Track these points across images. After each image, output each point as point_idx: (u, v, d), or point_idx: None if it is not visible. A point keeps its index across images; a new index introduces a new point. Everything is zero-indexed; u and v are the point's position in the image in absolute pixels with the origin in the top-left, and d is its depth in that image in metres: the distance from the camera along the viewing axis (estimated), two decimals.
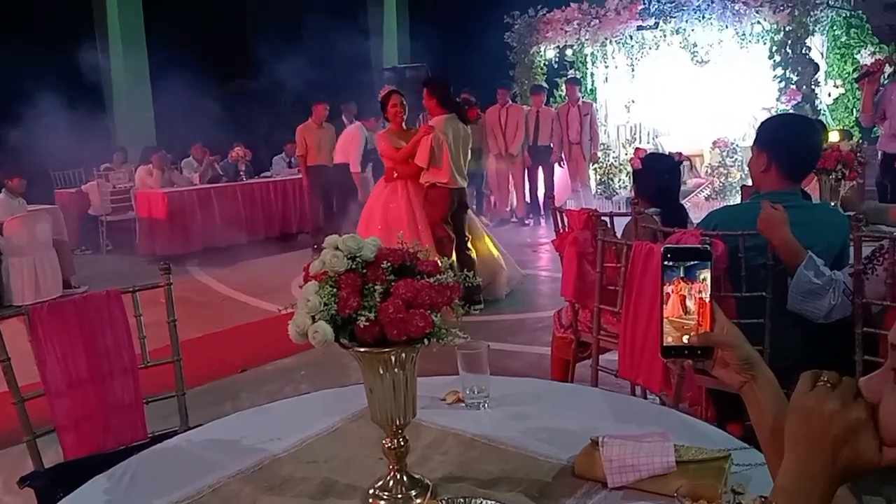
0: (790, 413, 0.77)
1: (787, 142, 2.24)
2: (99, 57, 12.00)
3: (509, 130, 9.25)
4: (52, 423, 1.86)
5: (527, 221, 9.52)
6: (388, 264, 1.14)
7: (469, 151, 5.53)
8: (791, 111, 7.89)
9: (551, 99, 10.25)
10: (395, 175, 5.44)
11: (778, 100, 8.34)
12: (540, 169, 9.40)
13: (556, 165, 9.31)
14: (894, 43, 5.18)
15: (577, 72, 10.33)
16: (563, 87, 10.23)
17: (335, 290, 1.11)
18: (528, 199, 9.61)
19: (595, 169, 9.79)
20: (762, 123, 2.39)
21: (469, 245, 5.54)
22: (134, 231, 8.73)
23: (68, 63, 9.55)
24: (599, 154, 9.74)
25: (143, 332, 2.05)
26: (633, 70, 9.87)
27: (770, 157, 2.24)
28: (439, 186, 5.27)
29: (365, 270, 1.14)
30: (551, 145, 9.27)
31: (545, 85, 10.25)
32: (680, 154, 3.13)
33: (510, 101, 9.44)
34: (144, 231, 8.50)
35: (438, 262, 1.20)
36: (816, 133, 2.31)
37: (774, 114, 6.50)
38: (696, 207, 8.03)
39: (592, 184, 9.89)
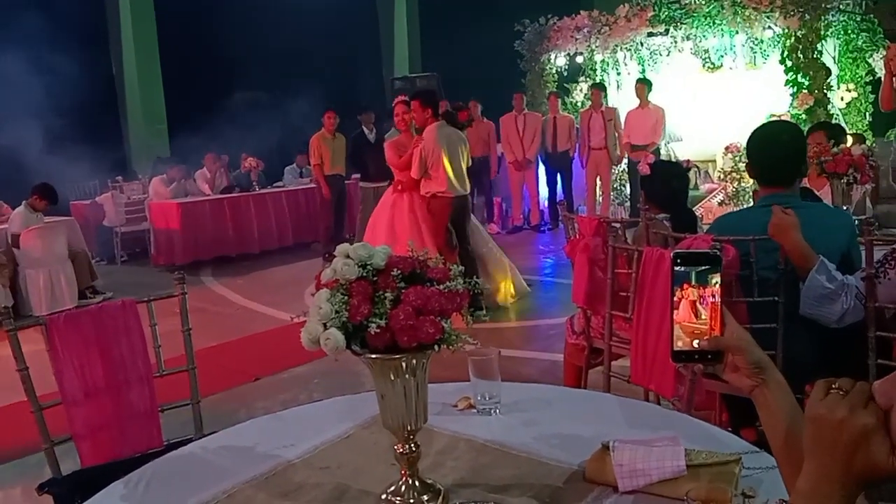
0: (805, 422, 0.77)
1: (752, 148, 2.35)
2: (113, 68, 12.14)
3: (527, 137, 9.29)
4: (69, 432, 1.89)
5: (542, 228, 9.51)
6: (399, 272, 1.16)
7: (467, 155, 5.52)
8: (803, 116, 7.85)
9: (562, 105, 10.25)
10: (400, 187, 5.49)
11: (791, 105, 8.29)
12: (558, 175, 9.44)
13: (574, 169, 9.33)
14: None
15: (588, 79, 10.32)
16: (574, 94, 10.27)
17: (346, 297, 1.12)
18: (544, 205, 9.61)
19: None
20: None
21: (471, 254, 5.53)
22: (148, 242, 8.80)
23: (82, 75, 9.64)
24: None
25: (158, 341, 2.07)
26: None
27: (749, 165, 2.38)
28: (439, 196, 5.30)
29: (375, 278, 1.15)
30: (569, 151, 9.30)
31: (564, 88, 10.31)
32: (688, 161, 3.13)
33: (526, 108, 9.48)
34: (159, 241, 8.57)
35: (449, 268, 1.21)
36: (779, 136, 2.33)
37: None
38: (710, 213, 7.98)
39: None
